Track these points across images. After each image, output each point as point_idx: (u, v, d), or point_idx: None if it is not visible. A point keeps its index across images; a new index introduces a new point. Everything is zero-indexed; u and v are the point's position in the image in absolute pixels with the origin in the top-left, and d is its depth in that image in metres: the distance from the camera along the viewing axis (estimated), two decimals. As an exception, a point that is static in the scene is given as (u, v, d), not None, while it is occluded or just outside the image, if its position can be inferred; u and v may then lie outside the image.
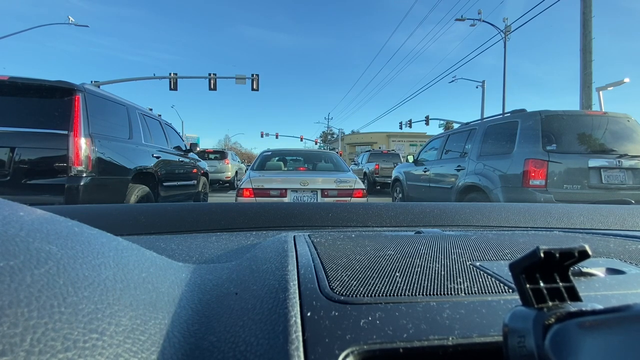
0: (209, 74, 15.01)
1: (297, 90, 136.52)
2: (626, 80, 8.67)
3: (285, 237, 0.46)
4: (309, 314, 0.24)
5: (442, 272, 0.33)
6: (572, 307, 0.19)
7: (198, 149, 6.07)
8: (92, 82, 11.88)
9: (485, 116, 5.50)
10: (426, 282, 0.30)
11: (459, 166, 4.31)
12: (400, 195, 6.25)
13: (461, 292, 0.29)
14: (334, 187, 3.55)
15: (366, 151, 14.20)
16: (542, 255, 0.19)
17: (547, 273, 0.20)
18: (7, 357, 0.15)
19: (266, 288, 0.29)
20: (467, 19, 18.15)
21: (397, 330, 0.23)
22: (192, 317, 0.27)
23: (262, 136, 35.99)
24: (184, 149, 5.10)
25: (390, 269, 0.34)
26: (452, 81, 21.89)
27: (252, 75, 15.07)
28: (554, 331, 0.17)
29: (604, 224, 0.81)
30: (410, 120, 24.60)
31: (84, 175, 2.74)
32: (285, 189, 3.50)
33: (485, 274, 0.33)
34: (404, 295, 0.28)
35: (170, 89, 14.82)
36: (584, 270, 0.34)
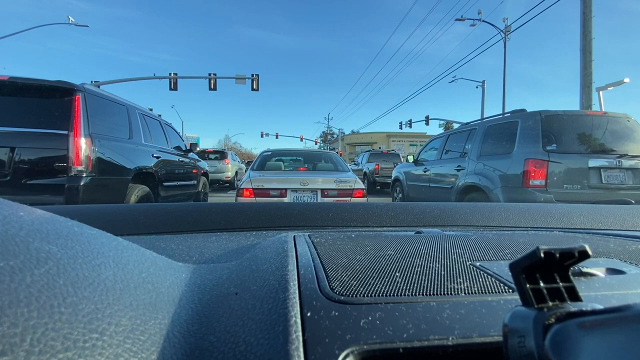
0: (209, 74, 15.01)
1: (297, 90, 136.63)
2: (626, 80, 8.66)
3: (285, 237, 0.46)
4: (309, 314, 0.24)
5: (442, 272, 0.33)
6: (572, 307, 0.19)
7: (198, 149, 6.07)
8: (92, 82, 11.88)
9: (485, 116, 5.51)
10: (426, 282, 0.30)
11: (459, 166, 4.31)
12: (400, 195, 6.25)
13: (461, 292, 0.29)
14: (333, 187, 3.55)
15: (366, 151, 14.19)
16: (542, 255, 0.19)
17: (547, 273, 0.20)
18: (7, 357, 0.15)
19: (266, 288, 0.29)
20: (467, 19, 18.16)
21: (397, 330, 0.23)
22: (192, 317, 0.27)
23: (262, 136, 36.03)
24: (184, 149, 5.09)
25: (390, 269, 0.34)
26: (452, 81, 21.92)
27: (252, 75, 15.08)
28: (554, 331, 0.17)
29: (604, 224, 0.81)
30: (410, 120, 24.61)
31: (84, 175, 2.74)
32: (285, 189, 3.50)
33: (485, 274, 0.33)
34: (404, 295, 0.28)
35: (170, 89, 14.81)
36: (584, 270, 0.34)
